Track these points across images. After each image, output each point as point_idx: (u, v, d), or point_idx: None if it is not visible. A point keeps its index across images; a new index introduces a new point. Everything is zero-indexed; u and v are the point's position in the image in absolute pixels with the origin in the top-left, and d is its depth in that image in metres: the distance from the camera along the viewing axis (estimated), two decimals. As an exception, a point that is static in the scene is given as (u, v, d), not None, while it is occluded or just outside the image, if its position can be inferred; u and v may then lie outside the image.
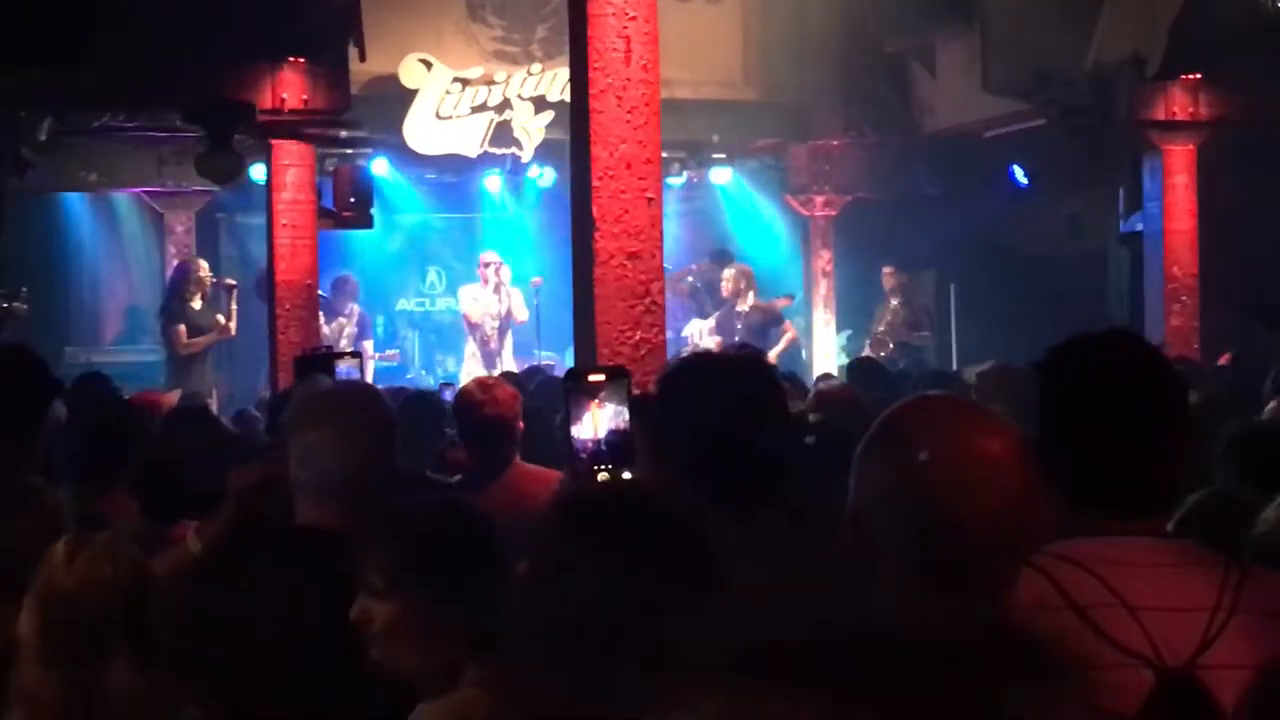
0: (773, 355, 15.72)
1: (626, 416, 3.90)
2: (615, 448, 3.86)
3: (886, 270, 17.14)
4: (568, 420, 3.93)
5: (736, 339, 16.36)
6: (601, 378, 3.99)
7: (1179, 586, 2.67)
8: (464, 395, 6.74)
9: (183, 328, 14.63)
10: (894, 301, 17.08)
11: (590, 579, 2.28)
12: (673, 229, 17.82)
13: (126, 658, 3.34)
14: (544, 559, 2.39)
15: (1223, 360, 11.40)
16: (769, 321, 16.79)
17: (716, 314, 17.08)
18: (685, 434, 3.36)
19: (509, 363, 15.81)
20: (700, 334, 17.02)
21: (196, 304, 15.16)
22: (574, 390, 3.97)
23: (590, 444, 3.90)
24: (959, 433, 2.20)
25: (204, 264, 15.65)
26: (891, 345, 16.62)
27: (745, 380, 3.46)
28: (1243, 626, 2.63)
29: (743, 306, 16.78)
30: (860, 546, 2.20)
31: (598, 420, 3.94)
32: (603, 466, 3.84)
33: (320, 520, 3.64)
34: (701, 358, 3.77)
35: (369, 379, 13.33)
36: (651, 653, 2.18)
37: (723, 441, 3.26)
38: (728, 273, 17.01)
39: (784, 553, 3.05)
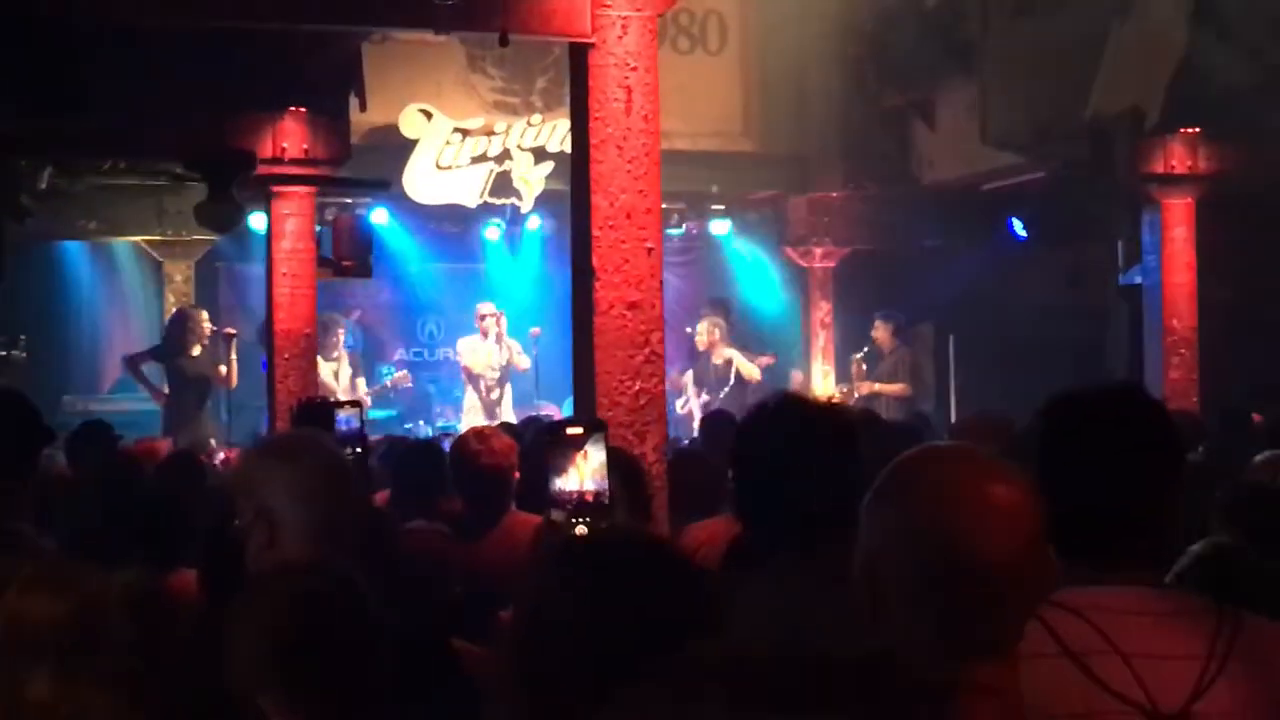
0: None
1: (605, 470, 3.91)
2: (597, 497, 3.87)
3: (875, 321, 17.18)
4: (546, 473, 3.93)
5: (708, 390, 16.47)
6: (580, 431, 4.00)
7: (1173, 635, 2.68)
8: (460, 445, 6.76)
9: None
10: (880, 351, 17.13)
11: (580, 625, 2.27)
12: (671, 280, 17.88)
13: (51, 672, 3.34)
14: (534, 606, 2.38)
15: (1256, 418, 11.31)
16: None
17: (691, 367, 17.08)
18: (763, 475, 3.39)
19: (508, 413, 15.80)
20: (690, 385, 17.03)
21: (195, 351, 15.20)
22: (553, 444, 3.97)
23: (574, 495, 3.89)
24: (970, 480, 2.20)
25: (203, 313, 15.70)
26: (856, 395, 16.62)
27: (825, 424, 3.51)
28: (1235, 674, 2.65)
29: (717, 359, 16.80)
30: (871, 594, 2.19)
31: (582, 472, 3.93)
32: (582, 520, 3.84)
33: (302, 558, 3.62)
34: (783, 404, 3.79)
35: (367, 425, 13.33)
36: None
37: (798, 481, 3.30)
38: (701, 326, 17.03)
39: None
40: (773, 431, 3.58)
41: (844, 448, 3.41)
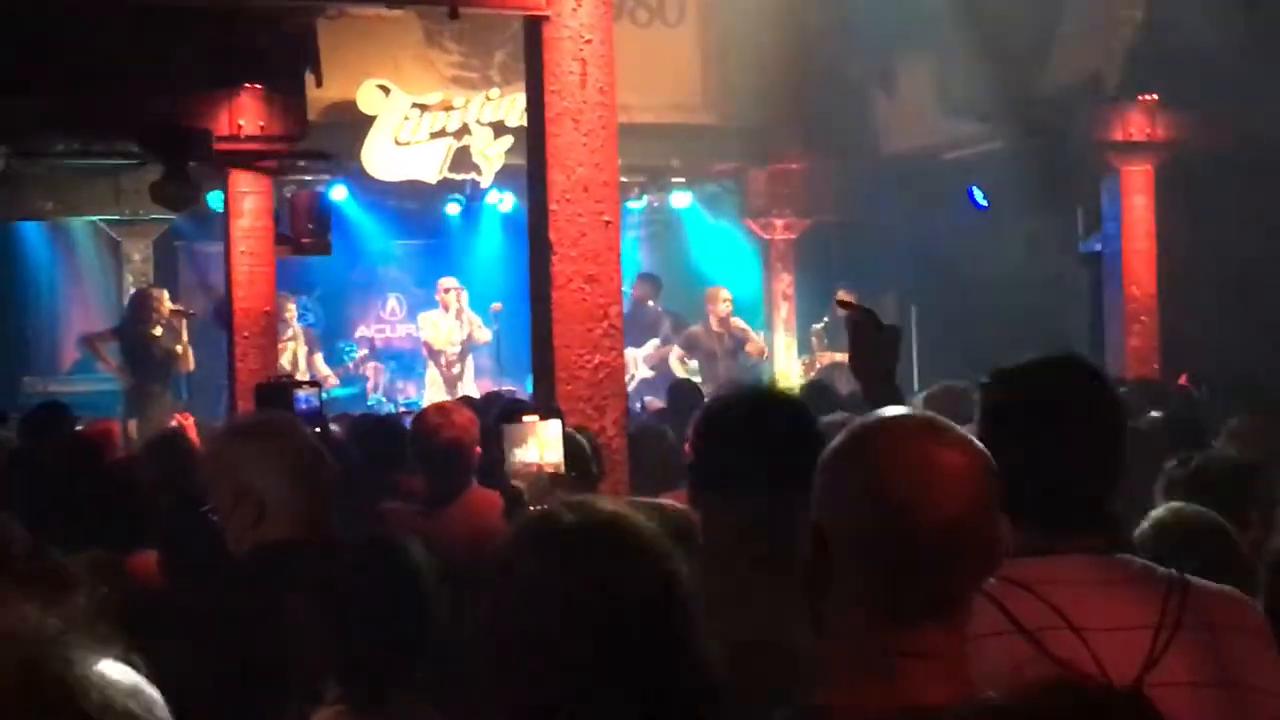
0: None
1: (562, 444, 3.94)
2: (555, 469, 3.89)
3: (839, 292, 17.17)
4: (501, 458, 3.96)
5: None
6: (535, 418, 4.04)
7: (1123, 605, 2.70)
8: (421, 419, 6.71)
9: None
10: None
11: (553, 599, 2.26)
12: (634, 254, 17.88)
13: None
14: (508, 580, 2.36)
15: (1182, 381, 11.42)
16: (739, 341, 16.84)
17: (685, 334, 16.99)
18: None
19: (470, 387, 15.78)
20: (635, 362, 16.97)
21: (156, 331, 15.12)
22: (510, 430, 4.01)
23: (535, 466, 3.91)
24: (918, 445, 2.19)
25: (163, 293, 15.62)
26: (817, 365, 16.63)
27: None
28: (1187, 642, 2.67)
29: (720, 330, 16.79)
30: (819, 559, 2.19)
31: (543, 444, 3.96)
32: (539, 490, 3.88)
33: (291, 532, 3.63)
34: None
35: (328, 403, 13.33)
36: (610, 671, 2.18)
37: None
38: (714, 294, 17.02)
39: None
40: (733, 424, 3.56)
41: (799, 440, 3.40)
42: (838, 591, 2.19)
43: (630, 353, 16.87)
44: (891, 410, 2.37)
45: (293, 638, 3.20)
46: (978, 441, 2.27)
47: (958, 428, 2.29)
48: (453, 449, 6.38)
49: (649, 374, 16.60)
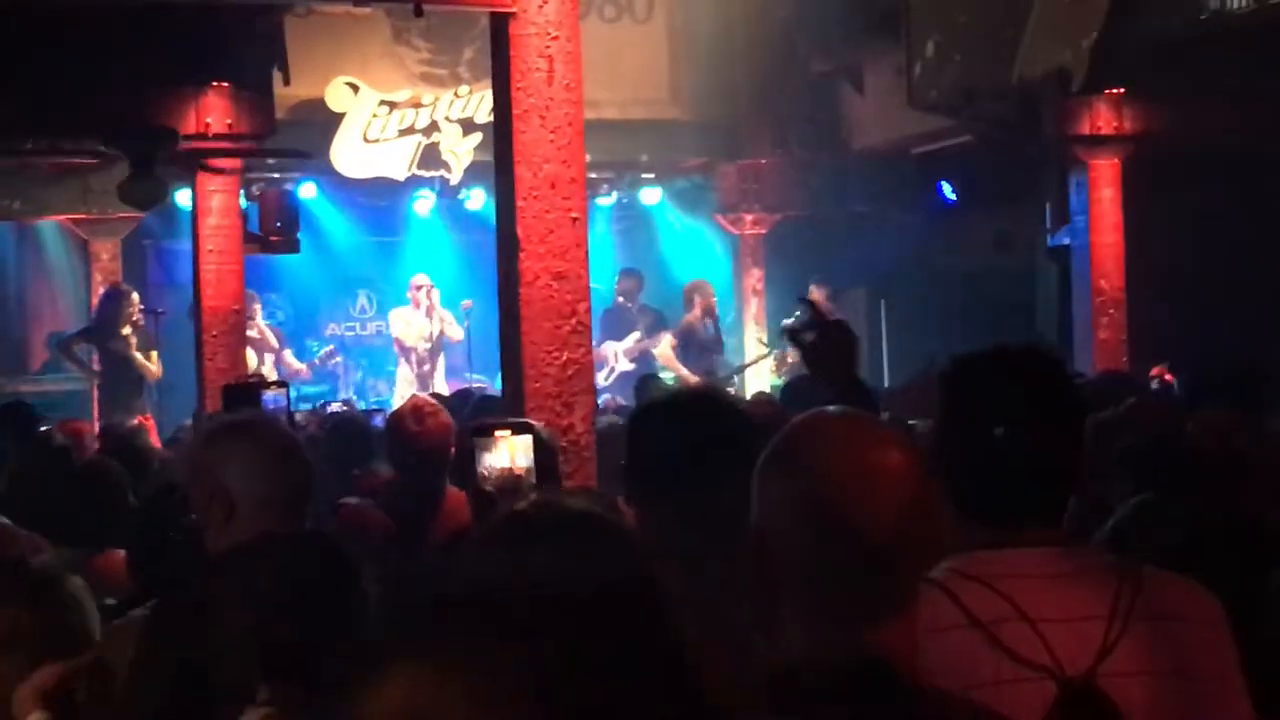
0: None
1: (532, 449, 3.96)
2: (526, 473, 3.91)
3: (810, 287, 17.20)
4: (472, 470, 3.97)
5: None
6: (508, 433, 4.06)
7: (1076, 596, 2.70)
8: (397, 423, 6.59)
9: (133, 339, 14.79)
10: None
11: (525, 591, 2.26)
12: (604, 250, 17.87)
13: None
14: (480, 573, 2.37)
15: (1155, 372, 11.43)
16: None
17: (681, 325, 16.98)
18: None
19: (441, 385, 15.76)
20: (616, 355, 16.97)
21: (127, 331, 15.09)
22: (481, 441, 4.03)
23: (505, 470, 3.92)
24: (850, 445, 2.20)
25: (134, 294, 15.59)
26: (788, 360, 16.66)
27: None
28: (1139, 632, 2.68)
29: (710, 324, 16.86)
30: (760, 564, 2.19)
31: (513, 449, 3.97)
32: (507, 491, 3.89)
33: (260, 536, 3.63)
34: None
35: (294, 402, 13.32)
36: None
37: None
38: (693, 295, 17.06)
39: None
40: (660, 425, 3.57)
41: (727, 440, 3.41)
42: (783, 595, 2.19)
43: (610, 346, 16.88)
44: (825, 411, 2.37)
45: (224, 639, 3.19)
46: (905, 436, 2.27)
47: (888, 425, 2.30)
48: (431, 454, 6.32)
49: (629, 368, 16.59)
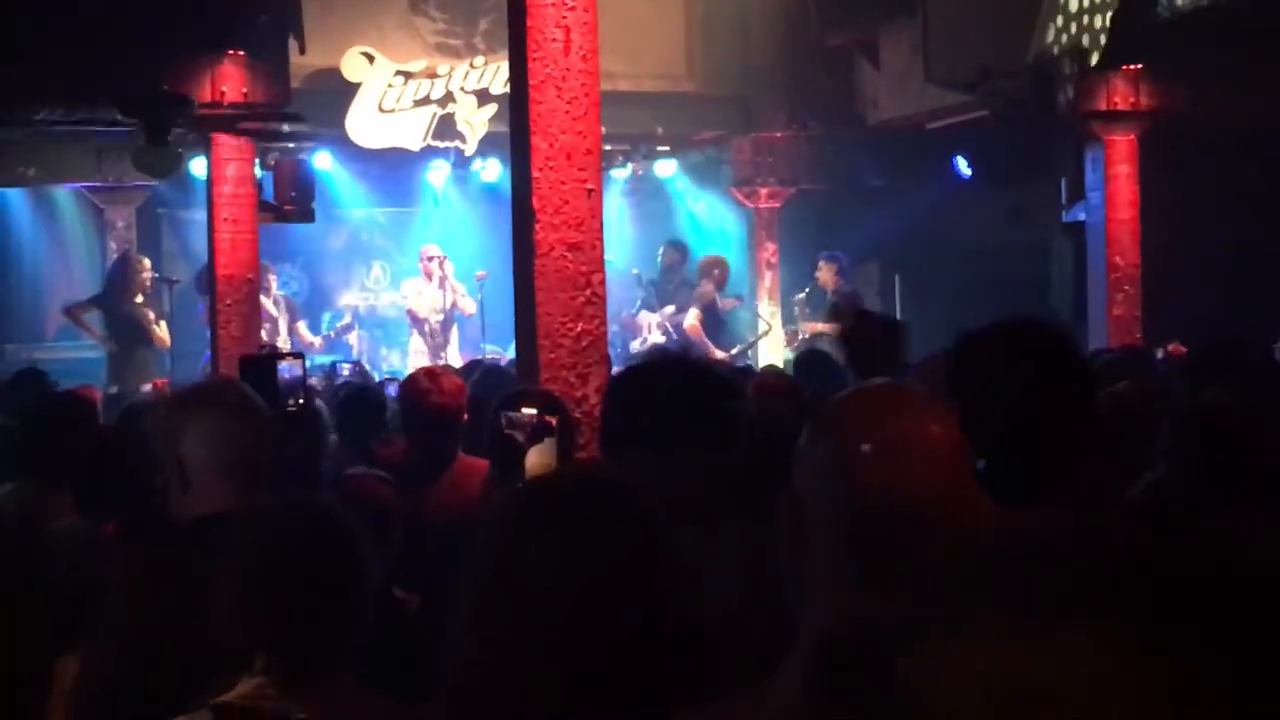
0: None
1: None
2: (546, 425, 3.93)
3: (819, 262, 17.20)
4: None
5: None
6: (534, 412, 4.08)
7: None
8: (409, 384, 6.64)
9: (152, 313, 14.83)
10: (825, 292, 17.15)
11: (549, 568, 2.26)
12: (618, 222, 17.87)
13: None
14: (501, 550, 2.37)
15: (1171, 349, 11.40)
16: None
17: (700, 297, 16.98)
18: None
19: (454, 357, 15.76)
20: (649, 327, 16.99)
21: (139, 299, 15.11)
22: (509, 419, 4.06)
23: (530, 417, 3.96)
24: (894, 419, 2.20)
25: (146, 261, 15.60)
26: (800, 336, 16.67)
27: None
28: None
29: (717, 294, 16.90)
30: (798, 530, 2.19)
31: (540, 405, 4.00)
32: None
33: (220, 504, 3.61)
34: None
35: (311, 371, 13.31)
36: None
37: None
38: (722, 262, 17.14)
39: None
40: (633, 389, 3.59)
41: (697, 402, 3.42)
42: (817, 560, 2.20)
43: (646, 317, 16.92)
44: (870, 382, 2.37)
45: (218, 608, 3.19)
46: (950, 411, 2.27)
47: (933, 400, 2.30)
48: (441, 415, 6.32)
49: (661, 339, 16.61)
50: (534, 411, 4.24)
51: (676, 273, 17.38)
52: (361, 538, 3.26)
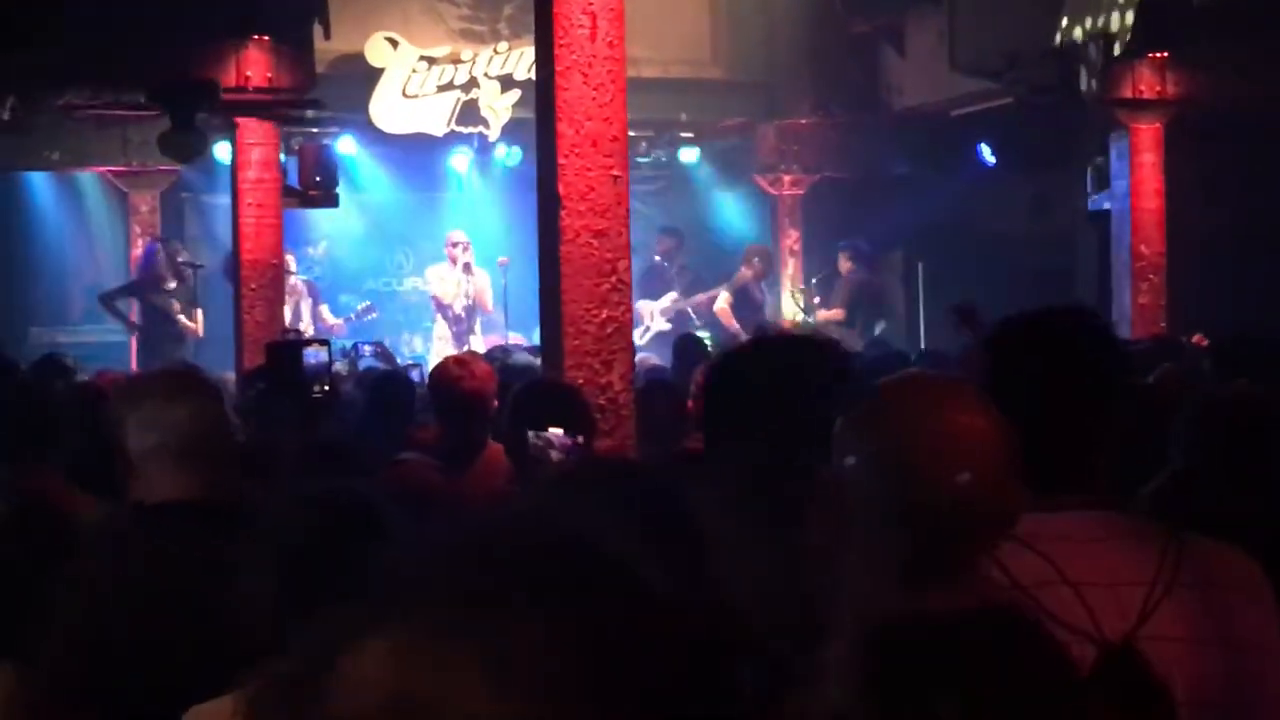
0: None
1: None
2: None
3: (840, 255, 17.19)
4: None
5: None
6: (561, 432, 4.10)
7: (1119, 560, 2.70)
8: (441, 371, 6.60)
9: (175, 302, 14.88)
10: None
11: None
12: (641, 208, 17.85)
13: None
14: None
15: (1196, 340, 11.36)
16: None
17: (735, 283, 16.99)
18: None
19: (478, 343, 15.76)
20: (651, 315, 16.98)
21: (170, 285, 15.18)
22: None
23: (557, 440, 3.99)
24: (937, 409, 2.20)
25: (178, 245, 15.70)
26: (811, 322, 16.72)
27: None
28: (1181, 598, 2.67)
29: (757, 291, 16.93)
30: (837, 521, 2.19)
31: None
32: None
33: (174, 492, 3.60)
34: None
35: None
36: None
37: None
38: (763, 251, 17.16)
39: None
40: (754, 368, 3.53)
41: (823, 385, 3.38)
42: (852, 550, 2.20)
43: (646, 305, 16.89)
44: (911, 372, 2.37)
45: (243, 601, 3.18)
46: (991, 402, 2.27)
47: (977, 391, 2.29)
48: (473, 400, 6.29)
49: (665, 327, 16.60)
50: (561, 431, 4.23)
51: (673, 259, 17.37)
52: (400, 524, 3.25)
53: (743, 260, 16.99)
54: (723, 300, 16.67)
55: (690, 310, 17.31)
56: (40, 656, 3.43)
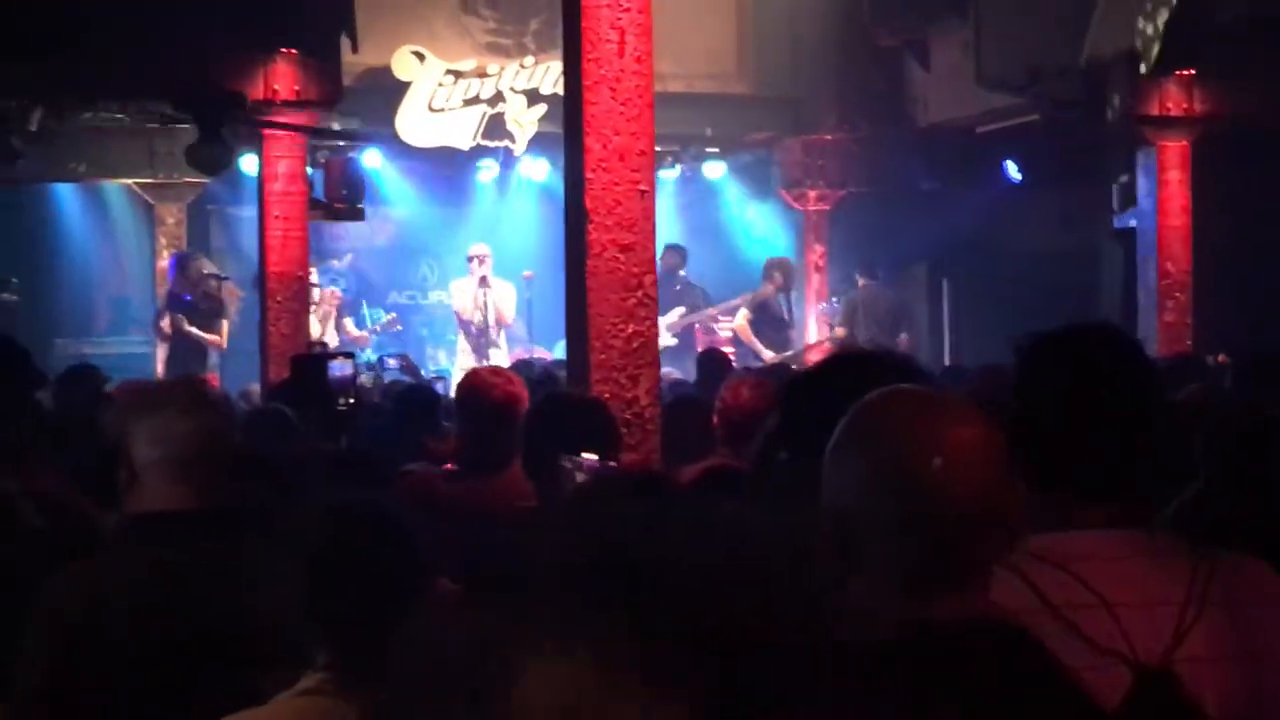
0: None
1: None
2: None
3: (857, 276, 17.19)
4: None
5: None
6: (595, 457, 4.09)
7: (1151, 580, 2.69)
8: (473, 377, 6.43)
9: (181, 316, 14.90)
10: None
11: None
12: (666, 223, 17.84)
13: None
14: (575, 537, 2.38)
15: (1220, 358, 11.34)
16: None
17: (755, 299, 16.96)
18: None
19: (502, 357, 15.76)
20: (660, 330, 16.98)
21: (190, 298, 15.24)
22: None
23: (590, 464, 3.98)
24: (929, 422, 2.20)
25: (207, 262, 15.76)
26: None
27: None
28: (1214, 618, 2.65)
29: (778, 304, 16.86)
30: (839, 542, 2.19)
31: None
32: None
33: (173, 502, 3.61)
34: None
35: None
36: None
37: None
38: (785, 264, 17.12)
39: None
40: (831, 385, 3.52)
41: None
42: (856, 566, 2.20)
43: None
44: (901, 386, 2.36)
45: (270, 603, 3.22)
46: (984, 413, 2.27)
47: (966, 401, 2.29)
48: (505, 410, 6.19)
49: (672, 342, 16.59)
50: (595, 457, 4.23)
51: (675, 276, 17.38)
52: (421, 534, 3.28)
53: (763, 275, 16.94)
54: (741, 317, 16.63)
55: (706, 324, 17.27)
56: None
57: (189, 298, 15.35)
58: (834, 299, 17.54)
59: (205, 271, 15.54)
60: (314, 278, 16.20)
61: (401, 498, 5.36)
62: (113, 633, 3.46)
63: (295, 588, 3.18)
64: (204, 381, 4.55)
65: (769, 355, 15.54)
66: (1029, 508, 2.73)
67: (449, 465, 6.56)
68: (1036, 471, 2.78)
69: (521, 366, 10.74)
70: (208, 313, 15.37)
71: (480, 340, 16.49)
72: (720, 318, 17.31)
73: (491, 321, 16.42)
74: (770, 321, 16.63)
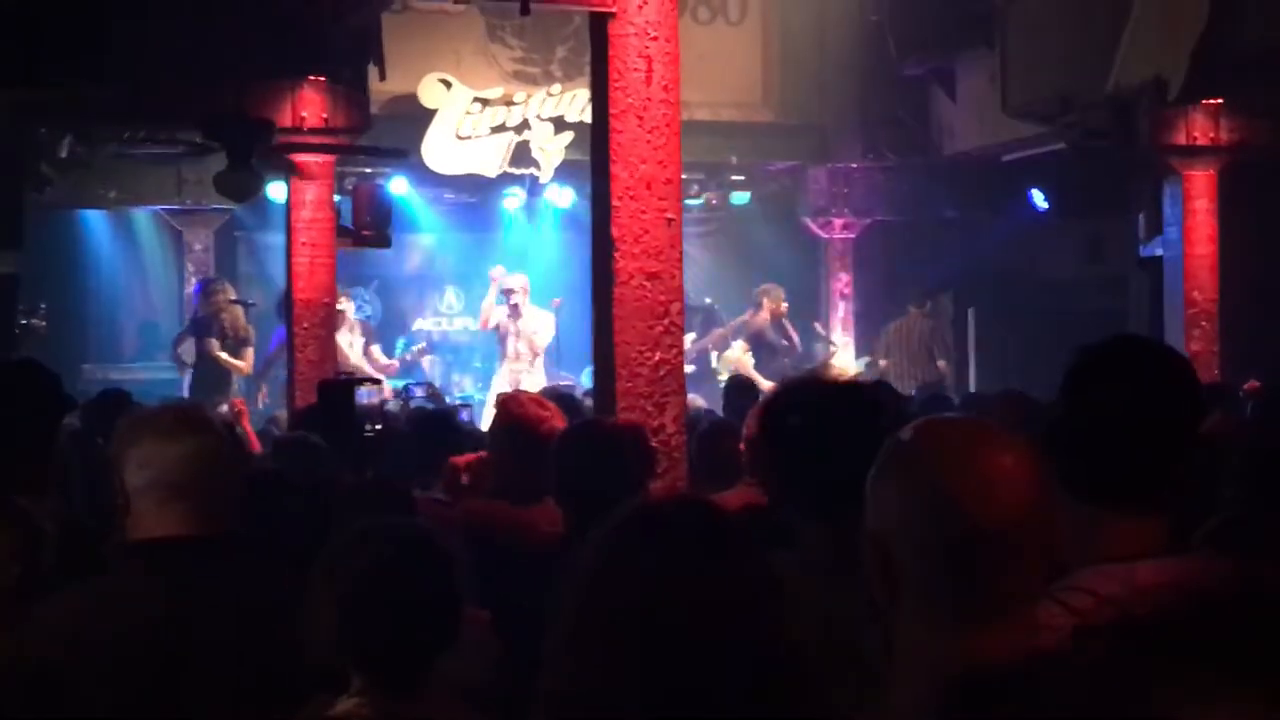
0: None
1: None
2: None
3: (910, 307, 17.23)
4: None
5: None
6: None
7: None
8: (516, 408, 6.14)
9: (213, 340, 14.94)
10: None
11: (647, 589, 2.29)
12: (691, 251, 17.86)
13: None
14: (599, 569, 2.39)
15: (1249, 387, 11.31)
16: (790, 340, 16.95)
17: (749, 327, 16.95)
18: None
19: (535, 384, 15.70)
20: None
21: (225, 320, 15.30)
22: None
23: None
24: (971, 448, 2.21)
25: (229, 287, 15.80)
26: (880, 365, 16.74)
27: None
28: None
29: (774, 331, 16.82)
30: (883, 570, 2.20)
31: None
32: None
33: (166, 529, 3.56)
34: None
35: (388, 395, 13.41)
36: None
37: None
38: (765, 299, 17.05)
39: None
40: (802, 407, 3.59)
41: (867, 422, 3.42)
42: (903, 600, 2.20)
43: None
44: (943, 415, 2.38)
45: (304, 627, 3.23)
46: (1025, 439, 2.28)
47: (1006, 429, 2.30)
48: (546, 440, 6.02)
49: (690, 369, 16.56)
50: None
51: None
52: (456, 559, 3.30)
53: (754, 303, 16.93)
54: (738, 350, 16.60)
55: (726, 356, 17.25)
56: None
57: (212, 323, 15.40)
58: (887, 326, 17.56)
59: (231, 298, 15.59)
60: (344, 304, 16.25)
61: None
62: (93, 663, 3.41)
63: (332, 611, 3.20)
64: (199, 405, 4.52)
65: (769, 385, 15.49)
66: (1063, 508, 2.75)
67: (465, 479, 6.48)
68: (1078, 483, 2.82)
69: (549, 394, 10.72)
70: (233, 338, 15.41)
71: (515, 365, 16.36)
72: (710, 346, 17.31)
73: (523, 350, 16.37)
74: (767, 350, 16.64)
